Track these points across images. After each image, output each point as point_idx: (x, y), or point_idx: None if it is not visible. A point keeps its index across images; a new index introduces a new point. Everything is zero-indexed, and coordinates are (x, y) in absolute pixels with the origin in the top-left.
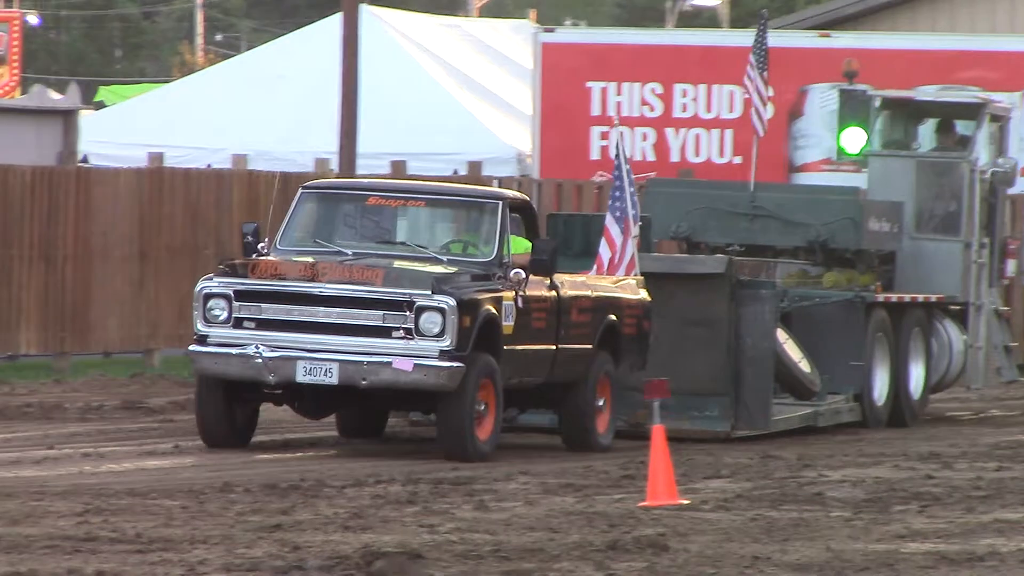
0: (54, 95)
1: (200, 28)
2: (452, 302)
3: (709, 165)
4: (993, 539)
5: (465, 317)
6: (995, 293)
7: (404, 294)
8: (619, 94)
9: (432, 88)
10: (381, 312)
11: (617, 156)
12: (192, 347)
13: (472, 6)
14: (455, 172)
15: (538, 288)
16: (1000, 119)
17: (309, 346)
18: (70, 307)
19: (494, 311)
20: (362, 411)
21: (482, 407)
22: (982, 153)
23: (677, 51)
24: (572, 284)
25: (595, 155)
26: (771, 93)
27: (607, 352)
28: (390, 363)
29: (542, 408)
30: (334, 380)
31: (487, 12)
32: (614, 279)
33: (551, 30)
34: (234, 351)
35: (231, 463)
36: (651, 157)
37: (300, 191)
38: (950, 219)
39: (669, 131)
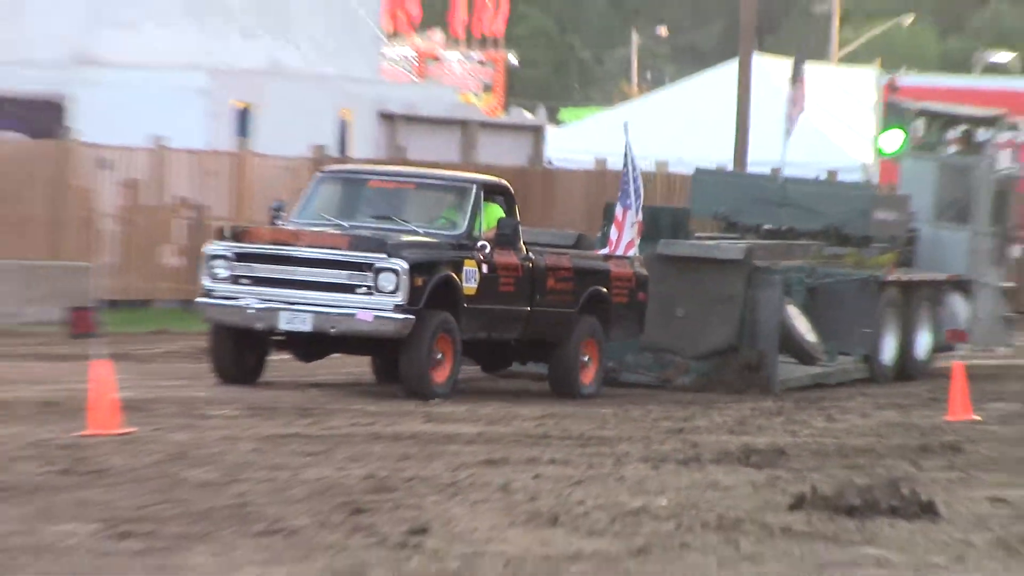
0: (527, 115)
1: (635, 68)
2: (405, 264)
3: None
4: None
5: (417, 277)
6: (1000, 272)
7: (365, 257)
8: None
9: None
10: (347, 272)
11: (625, 153)
12: (199, 299)
13: (833, 55)
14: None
15: (509, 257)
16: (1016, 130)
17: (290, 299)
18: None
19: (451, 274)
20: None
21: (439, 355)
22: (998, 158)
23: (984, 94)
24: (552, 256)
25: None
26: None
27: (594, 317)
28: (354, 315)
29: (536, 360)
30: (308, 328)
31: (845, 60)
32: (603, 255)
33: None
34: (231, 303)
35: (645, 388)
36: None
37: (316, 174)
38: (963, 211)
39: None
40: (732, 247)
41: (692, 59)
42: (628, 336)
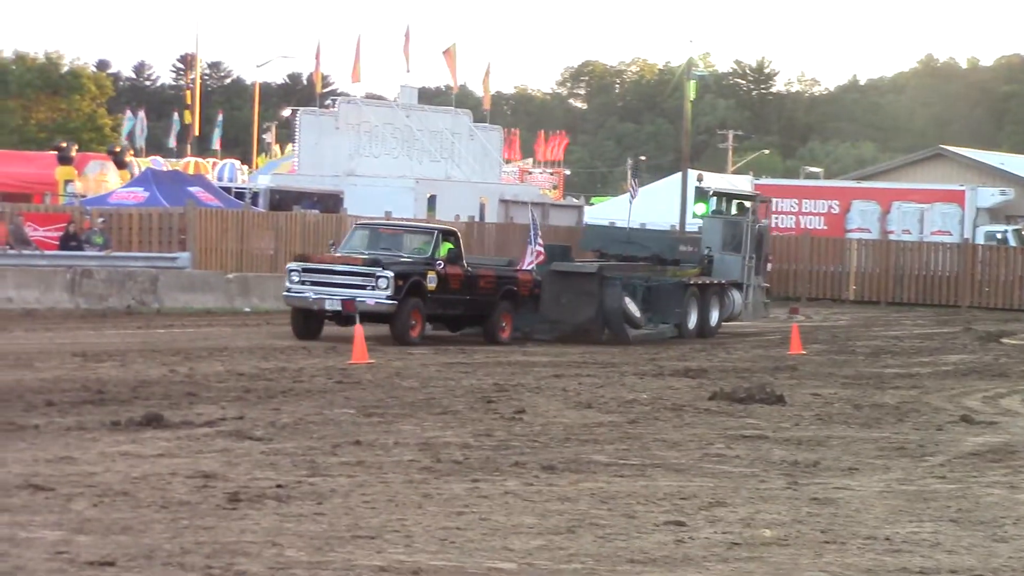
0: (574, 200)
1: (629, 176)
2: (391, 273)
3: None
4: None
5: (399, 280)
6: (760, 279)
7: (371, 269)
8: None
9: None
10: (361, 277)
11: (532, 222)
12: (284, 293)
13: (729, 169)
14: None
15: (456, 270)
16: (766, 201)
17: (331, 293)
18: None
19: (420, 278)
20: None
21: (413, 322)
22: (757, 216)
23: (804, 189)
24: (483, 268)
25: None
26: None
27: (508, 302)
28: (365, 300)
29: (476, 326)
30: (340, 308)
31: (735, 172)
32: (516, 268)
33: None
34: (300, 295)
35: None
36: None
37: (353, 225)
38: (737, 245)
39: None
40: (590, 265)
41: (658, 171)
42: (529, 312)
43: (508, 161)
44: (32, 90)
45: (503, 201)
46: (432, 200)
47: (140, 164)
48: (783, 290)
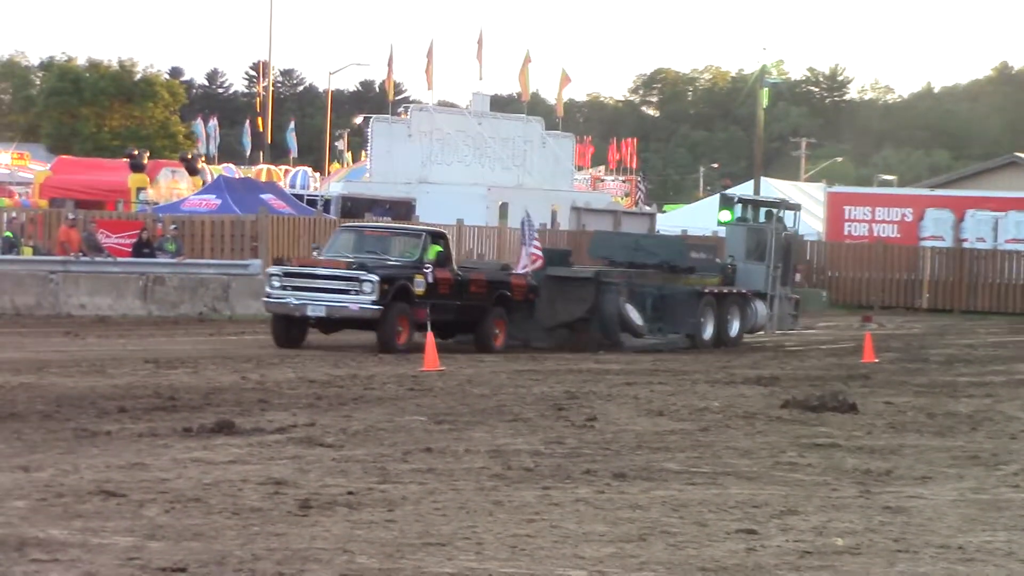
0: (647, 208)
1: (701, 184)
2: (376, 277)
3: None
4: None
5: (384, 284)
6: (788, 289)
7: (355, 273)
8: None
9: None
10: (345, 282)
11: (525, 224)
12: (264, 299)
13: (802, 176)
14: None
15: (445, 274)
16: (793, 208)
17: (314, 298)
18: None
19: (407, 283)
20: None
21: (400, 329)
22: (787, 222)
23: (878, 197)
24: (474, 272)
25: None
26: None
27: (502, 307)
28: (348, 306)
29: (468, 332)
30: (323, 314)
31: (808, 180)
32: (510, 273)
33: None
34: (281, 300)
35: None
36: None
37: (338, 228)
38: (761, 254)
39: None
40: (586, 271)
41: (731, 179)
42: (525, 319)
43: (580, 168)
44: (106, 97)
45: (575, 208)
46: (504, 207)
47: (212, 171)
48: (855, 298)
